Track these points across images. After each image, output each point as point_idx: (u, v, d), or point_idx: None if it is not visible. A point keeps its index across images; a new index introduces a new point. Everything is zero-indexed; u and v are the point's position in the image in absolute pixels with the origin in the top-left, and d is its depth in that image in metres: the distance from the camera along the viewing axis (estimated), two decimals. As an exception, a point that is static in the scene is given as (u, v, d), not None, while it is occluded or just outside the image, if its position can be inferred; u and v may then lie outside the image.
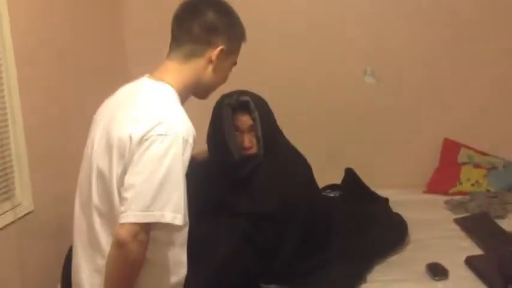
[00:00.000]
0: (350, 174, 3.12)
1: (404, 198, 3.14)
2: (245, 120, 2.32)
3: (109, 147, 1.53)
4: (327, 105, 3.48)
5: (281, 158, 2.38)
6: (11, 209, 2.29)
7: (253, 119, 2.31)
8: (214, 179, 2.33)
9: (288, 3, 3.44)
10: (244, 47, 1.76)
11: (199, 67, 1.63)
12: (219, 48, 1.63)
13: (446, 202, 3.07)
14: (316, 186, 2.60)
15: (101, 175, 1.56)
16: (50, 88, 2.58)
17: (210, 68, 1.64)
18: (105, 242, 1.55)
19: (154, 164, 1.44)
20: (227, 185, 2.33)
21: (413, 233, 2.65)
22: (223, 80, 1.73)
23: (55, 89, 2.62)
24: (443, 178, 3.33)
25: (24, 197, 2.39)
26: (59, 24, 2.70)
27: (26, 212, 2.38)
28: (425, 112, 3.47)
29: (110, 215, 1.54)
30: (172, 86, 1.59)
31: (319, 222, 2.39)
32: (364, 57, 3.45)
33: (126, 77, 3.19)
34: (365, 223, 2.62)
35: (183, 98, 1.64)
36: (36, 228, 2.45)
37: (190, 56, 1.62)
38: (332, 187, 3.13)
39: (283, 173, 2.34)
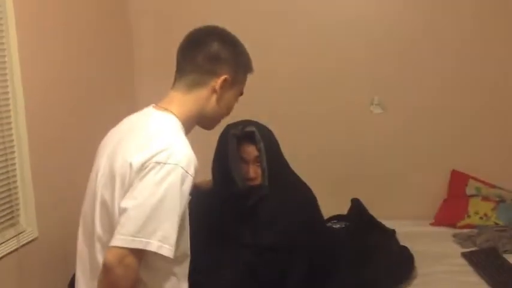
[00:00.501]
0: (356, 204, 3.10)
1: (412, 230, 3.11)
2: (250, 151, 2.31)
3: (112, 177, 1.53)
4: (334, 135, 3.48)
5: (286, 189, 2.36)
6: (14, 236, 2.28)
7: (259, 150, 2.30)
8: (218, 208, 2.32)
9: (294, 34, 3.45)
10: (249, 76, 1.74)
11: (202, 97, 1.62)
12: (222, 78, 1.61)
13: (454, 235, 3.04)
14: (321, 217, 2.58)
15: (104, 205, 1.55)
16: (57, 116, 2.59)
17: (214, 98, 1.62)
18: None
19: (149, 190, 1.42)
20: (231, 215, 2.31)
21: (420, 266, 2.62)
22: (228, 110, 1.71)
23: (62, 117, 2.63)
24: (451, 210, 3.29)
25: (28, 224, 2.38)
26: (69, 46, 2.72)
27: (30, 239, 2.37)
28: (433, 143, 3.45)
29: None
30: (176, 116, 1.59)
31: (324, 254, 2.36)
32: (371, 87, 3.45)
33: (135, 102, 3.28)
34: (371, 255, 2.59)
35: (188, 128, 1.63)
36: (40, 255, 2.44)
37: (193, 85, 1.61)
38: (338, 218, 3.10)
39: (288, 204, 2.32)
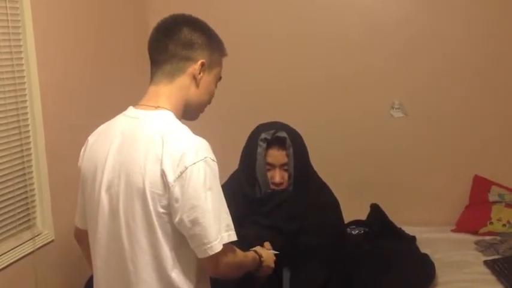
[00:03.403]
0: (376, 210, 3.06)
1: (432, 237, 3.07)
2: (279, 156, 2.28)
3: (137, 192, 1.49)
4: (354, 139, 3.44)
5: (309, 193, 2.32)
6: (30, 239, 2.28)
7: (288, 156, 2.27)
8: (238, 207, 2.28)
9: (315, 38, 3.41)
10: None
11: (184, 85, 1.60)
12: (199, 62, 1.60)
13: (476, 242, 2.98)
14: (343, 223, 2.54)
15: (134, 220, 1.51)
16: (74, 118, 2.59)
17: (194, 84, 1.61)
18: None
19: (202, 194, 1.46)
20: (249, 216, 2.28)
21: (441, 274, 2.57)
22: (210, 96, 1.69)
23: (79, 119, 2.63)
24: (473, 217, 3.23)
25: (45, 227, 2.38)
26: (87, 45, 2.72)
27: (46, 241, 2.37)
28: (455, 147, 3.39)
29: (152, 254, 1.52)
30: (170, 110, 1.58)
31: (343, 261, 2.32)
32: (392, 90, 3.40)
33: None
34: (390, 263, 2.55)
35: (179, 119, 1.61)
36: (56, 258, 2.44)
37: (172, 75, 1.60)
38: (356, 223, 3.06)
39: (309, 208, 2.28)
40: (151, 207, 1.48)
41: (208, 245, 1.46)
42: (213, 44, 1.65)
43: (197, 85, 1.62)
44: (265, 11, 3.42)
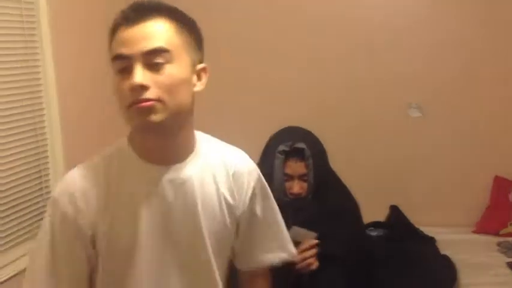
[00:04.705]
0: (395, 211, 3.03)
1: (453, 238, 3.01)
2: (298, 168, 2.22)
3: None
4: (373, 140, 3.40)
5: (329, 200, 2.27)
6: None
7: (307, 166, 2.22)
8: None
9: (331, 39, 3.39)
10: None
11: None
12: None
13: (498, 244, 2.93)
14: (362, 228, 2.50)
15: None
16: (90, 119, 2.58)
17: None
18: None
19: None
20: None
21: (463, 276, 2.53)
22: (119, 94, 1.32)
23: (97, 121, 2.62)
24: (493, 218, 3.18)
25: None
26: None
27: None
28: (475, 148, 3.34)
29: None
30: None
31: (362, 263, 2.29)
32: (412, 92, 3.36)
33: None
34: (409, 265, 2.52)
35: (138, 139, 1.34)
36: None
37: None
38: (375, 225, 3.02)
39: (324, 212, 2.24)
40: None
41: None
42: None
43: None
44: (284, 11, 3.39)
